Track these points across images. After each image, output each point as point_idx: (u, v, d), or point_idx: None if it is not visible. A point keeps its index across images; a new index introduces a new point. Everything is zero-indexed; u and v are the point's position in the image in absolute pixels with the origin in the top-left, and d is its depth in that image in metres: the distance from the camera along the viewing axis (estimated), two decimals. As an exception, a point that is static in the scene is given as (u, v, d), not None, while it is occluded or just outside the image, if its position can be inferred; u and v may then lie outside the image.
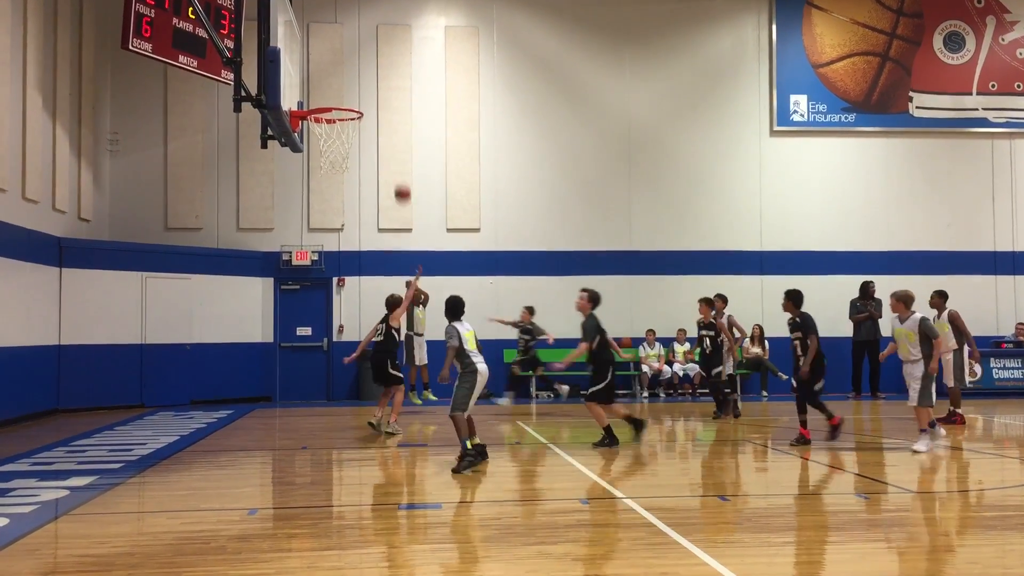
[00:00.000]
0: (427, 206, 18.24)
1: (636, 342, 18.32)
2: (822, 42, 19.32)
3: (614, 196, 18.75)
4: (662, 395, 18.04)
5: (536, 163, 18.66)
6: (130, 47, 14.26)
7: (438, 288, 14.40)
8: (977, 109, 19.57)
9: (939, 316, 13.11)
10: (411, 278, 13.56)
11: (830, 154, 19.34)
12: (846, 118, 19.30)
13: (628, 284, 18.56)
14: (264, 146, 10.92)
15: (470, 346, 8.94)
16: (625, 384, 18.49)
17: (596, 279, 18.37)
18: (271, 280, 17.87)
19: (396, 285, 15.43)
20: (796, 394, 10.82)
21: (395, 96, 18.31)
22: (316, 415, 15.16)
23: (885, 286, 17.89)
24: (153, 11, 14.46)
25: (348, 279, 18.03)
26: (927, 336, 10.02)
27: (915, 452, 9.86)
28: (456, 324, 8.98)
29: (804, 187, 19.10)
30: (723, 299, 14.00)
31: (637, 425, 10.73)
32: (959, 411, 12.92)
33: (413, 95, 18.38)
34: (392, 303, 12.51)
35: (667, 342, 18.28)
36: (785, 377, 16.66)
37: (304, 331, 17.99)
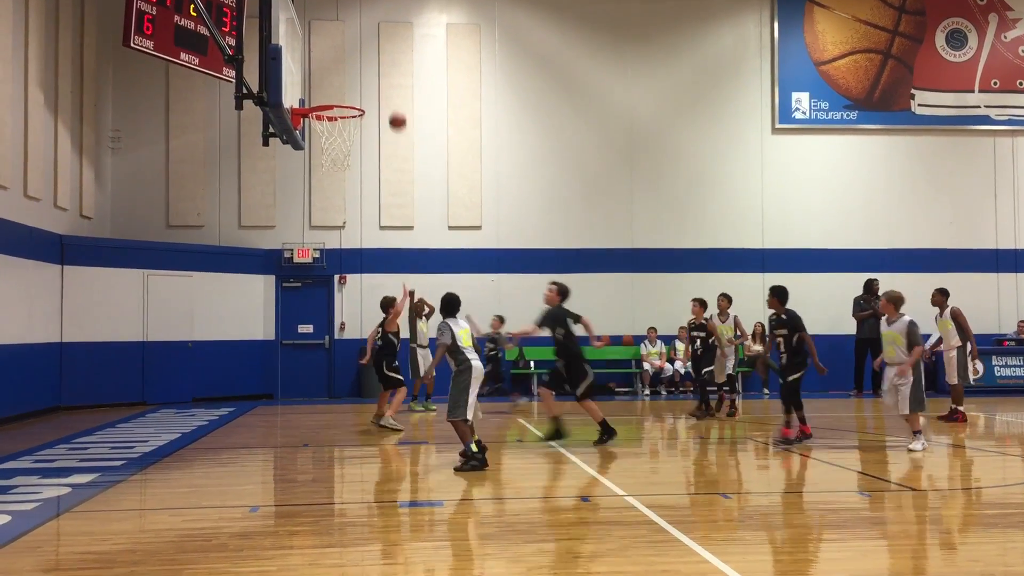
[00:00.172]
0: (429, 203, 18.24)
1: (637, 340, 18.34)
2: (824, 39, 19.30)
3: (616, 193, 18.74)
4: (663, 392, 18.05)
5: (537, 161, 18.65)
6: (132, 44, 14.26)
7: (439, 286, 14.33)
8: (979, 107, 19.54)
9: (941, 314, 13.10)
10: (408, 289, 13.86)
11: (832, 152, 19.32)
12: (848, 116, 19.28)
13: (629, 282, 18.56)
14: (266, 144, 10.90)
15: (464, 343, 8.86)
16: (627, 382, 18.52)
17: (598, 276, 18.47)
18: (272, 277, 17.88)
19: (398, 283, 15.42)
20: (781, 395, 10.73)
21: (397, 94, 18.30)
22: (317, 412, 15.17)
23: (887, 284, 17.85)
24: (155, 8, 14.46)
25: (349, 276, 18.04)
26: (911, 341, 9.83)
27: (911, 451, 9.79)
28: (450, 321, 8.90)
29: (806, 185, 19.08)
30: (727, 298, 13.94)
31: (558, 433, 10.45)
32: (961, 408, 12.91)
33: (415, 93, 18.37)
34: (385, 304, 12.80)
35: (668, 340, 18.27)
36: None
37: (306, 328, 17.99)
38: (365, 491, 8.48)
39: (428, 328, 14.78)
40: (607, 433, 10.39)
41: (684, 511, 7.16)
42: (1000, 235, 19.44)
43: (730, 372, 13.95)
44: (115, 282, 15.72)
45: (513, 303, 18.09)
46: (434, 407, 14.67)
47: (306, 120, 11.61)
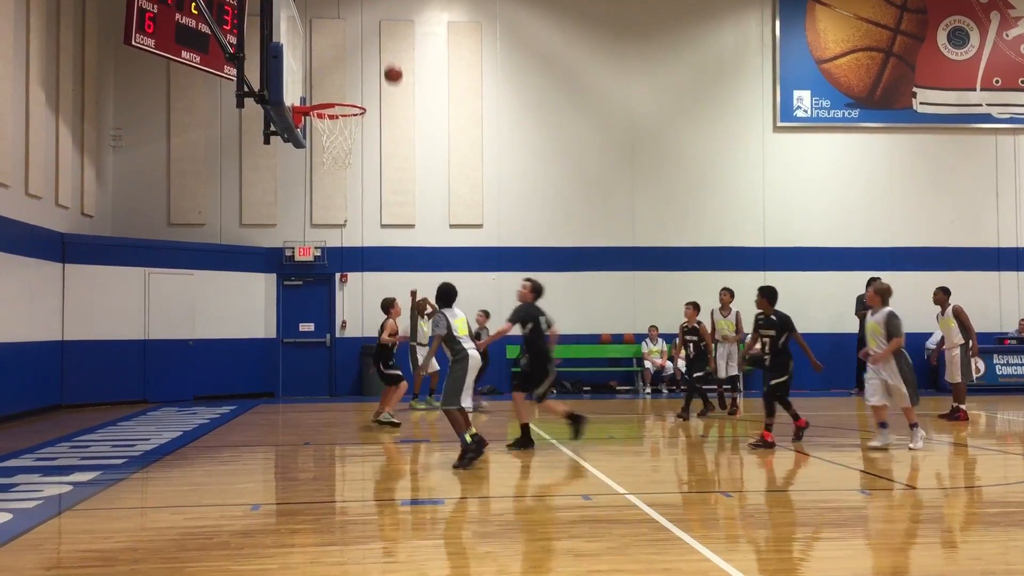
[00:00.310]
0: (430, 202, 18.24)
1: (639, 338, 18.34)
2: (825, 37, 19.28)
3: (617, 192, 18.73)
4: (665, 391, 18.04)
5: (539, 159, 18.65)
6: (133, 43, 14.28)
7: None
8: (981, 105, 19.52)
9: (943, 312, 13.10)
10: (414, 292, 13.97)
11: (833, 150, 19.31)
12: (849, 114, 19.26)
13: (631, 280, 18.56)
14: (267, 142, 10.91)
15: (460, 332, 8.89)
16: (628, 380, 18.52)
17: (599, 275, 18.48)
18: (274, 276, 17.88)
19: (399, 281, 15.49)
20: (764, 397, 10.50)
21: (398, 92, 18.28)
22: (319, 411, 15.17)
23: (889, 282, 17.89)
24: (156, 7, 14.48)
25: (351, 275, 18.04)
26: (890, 332, 9.79)
27: (912, 449, 9.77)
28: (446, 311, 8.93)
29: (807, 183, 19.07)
30: (730, 292, 13.93)
31: (524, 441, 10.03)
32: (963, 407, 12.89)
33: (416, 91, 18.36)
34: (385, 305, 13.10)
35: (670, 338, 18.23)
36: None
37: (307, 327, 17.99)
38: (366, 489, 8.49)
39: (429, 327, 14.80)
40: (576, 423, 10.01)
41: (685, 509, 7.16)
42: (1002, 233, 19.42)
43: (734, 373, 13.93)
44: (116, 280, 15.73)
45: (514, 301, 18.04)
46: (437, 404, 14.69)
47: (307, 118, 11.61)
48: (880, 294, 10.11)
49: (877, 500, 7.47)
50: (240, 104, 9.46)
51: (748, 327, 15.84)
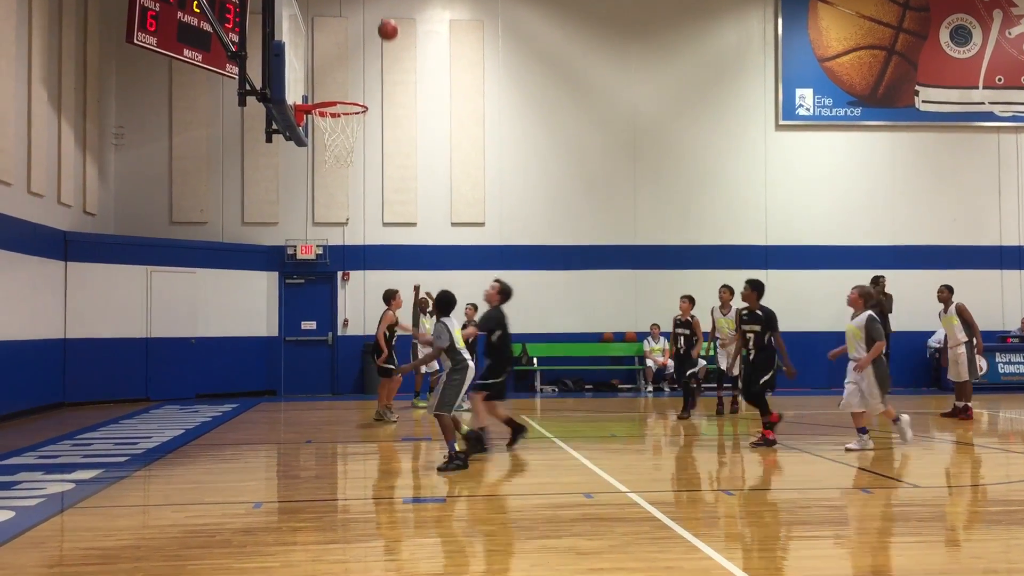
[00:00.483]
0: (432, 200, 18.24)
1: (641, 336, 18.34)
2: (828, 36, 19.26)
3: (619, 190, 18.73)
4: (666, 389, 18.03)
5: (541, 157, 18.64)
6: (135, 41, 14.29)
7: (442, 283, 14.34)
8: (983, 103, 19.49)
9: (946, 310, 13.09)
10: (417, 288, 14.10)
11: (836, 148, 19.29)
12: (852, 112, 19.24)
13: (632, 278, 18.55)
14: (269, 140, 10.92)
15: (460, 343, 8.86)
16: (630, 379, 18.52)
17: (600, 273, 18.48)
18: (276, 274, 17.89)
19: (401, 279, 15.46)
20: (743, 393, 10.38)
21: (400, 90, 18.29)
22: (321, 409, 15.19)
23: (891, 281, 17.89)
24: (158, 5, 14.48)
25: (353, 273, 18.04)
26: (870, 336, 9.62)
27: (849, 450, 9.58)
28: (446, 321, 8.84)
29: (809, 181, 19.05)
30: (730, 290, 13.86)
31: (517, 432, 9.80)
32: (969, 405, 12.87)
33: (418, 89, 18.36)
34: (387, 296, 13.20)
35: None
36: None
37: (309, 325, 18.00)
38: (368, 487, 8.49)
39: (431, 324, 14.82)
40: (473, 448, 9.29)
41: (687, 508, 7.16)
42: (1004, 232, 19.40)
43: (736, 372, 13.89)
44: (119, 278, 15.74)
45: (516, 300, 18.05)
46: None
47: (309, 117, 11.61)
48: (863, 297, 9.94)
49: (879, 498, 7.47)
50: (242, 102, 9.46)
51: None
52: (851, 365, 9.83)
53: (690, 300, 13.34)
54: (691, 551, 5.57)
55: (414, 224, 18.22)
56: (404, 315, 13.95)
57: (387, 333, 12.88)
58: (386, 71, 18.30)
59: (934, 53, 19.46)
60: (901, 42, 19.41)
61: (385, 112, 18.15)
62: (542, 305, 18.18)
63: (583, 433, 11.81)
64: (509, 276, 18.07)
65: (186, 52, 15.14)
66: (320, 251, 17.83)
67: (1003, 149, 19.52)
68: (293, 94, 10.29)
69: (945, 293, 13.12)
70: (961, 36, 19.51)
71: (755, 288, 10.35)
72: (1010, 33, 19.60)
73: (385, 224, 18.17)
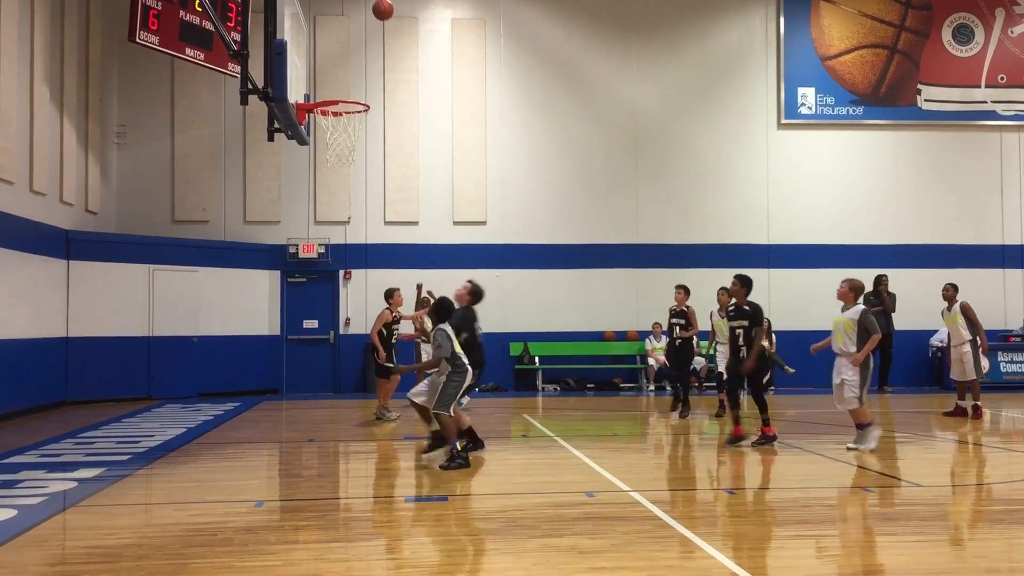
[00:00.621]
0: (433, 199, 18.24)
1: (642, 335, 18.34)
2: (830, 34, 19.24)
3: (621, 189, 18.72)
4: (668, 388, 18.00)
5: (543, 156, 18.64)
6: (137, 40, 14.29)
7: (444, 282, 14.39)
8: (986, 102, 19.47)
9: (949, 308, 13.07)
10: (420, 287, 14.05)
11: (838, 147, 19.28)
12: (854, 111, 19.22)
13: (634, 277, 18.55)
14: (271, 139, 10.93)
15: (457, 349, 8.99)
16: (631, 377, 18.52)
17: (602, 272, 18.48)
18: (278, 273, 17.90)
19: (402, 278, 15.46)
20: (726, 387, 10.25)
21: (401, 89, 18.30)
22: (323, 408, 15.19)
23: (893, 279, 17.92)
24: (160, 4, 14.49)
25: (354, 272, 18.05)
26: (865, 330, 9.48)
27: (850, 449, 9.46)
28: (446, 328, 8.91)
29: (811, 180, 19.04)
30: (728, 293, 13.81)
31: (475, 443, 9.45)
32: (979, 404, 12.85)
33: (420, 88, 18.36)
34: (387, 294, 13.18)
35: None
36: (792, 371, 16.65)
37: (311, 324, 18.01)
38: (370, 486, 8.49)
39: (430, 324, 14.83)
40: (439, 445, 9.14)
41: (688, 507, 7.16)
42: (1006, 231, 19.38)
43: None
44: (121, 277, 15.75)
45: (518, 299, 18.14)
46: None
47: (311, 115, 11.61)
48: (854, 291, 9.76)
49: (881, 497, 7.47)
50: (244, 101, 9.46)
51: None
52: (840, 360, 9.66)
53: (685, 290, 13.24)
54: (693, 550, 5.58)
55: (416, 223, 18.22)
56: (407, 312, 13.86)
57: (384, 332, 12.80)
58: (388, 70, 18.31)
59: (936, 52, 19.44)
60: (903, 41, 19.40)
61: (387, 111, 18.16)
62: (544, 304, 18.20)
63: (585, 432, 11.81)
64: (511, 275, 18.34)
65: (188, 51, 15.15)
66: (322, 250, 17.84)
67: (1005, 148, 19.50)
68: (295, 93, 10.30)
69: (950, 291, 13.11)
70: (963, 35, 19.48)
71: (744, 284, 10.24)
72: (1012, 32, 19.58)
73: (387, 223, 18.17)
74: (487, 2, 18.60)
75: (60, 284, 14.93)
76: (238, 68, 9.92)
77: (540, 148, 18.64)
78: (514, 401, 16.09)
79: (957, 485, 8.29)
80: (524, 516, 6.63)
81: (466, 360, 8.94)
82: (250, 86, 9.38)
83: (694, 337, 13.19)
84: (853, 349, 9.51)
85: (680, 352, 13.14)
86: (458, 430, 9.08)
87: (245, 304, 17.38)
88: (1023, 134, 19.55)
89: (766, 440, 10.00)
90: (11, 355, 13.01)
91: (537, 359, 17.98)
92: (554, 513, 6.72)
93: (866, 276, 17.77)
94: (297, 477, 8.93)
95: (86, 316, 15.29)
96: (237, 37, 13.48)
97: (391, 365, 12.67)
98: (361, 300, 17.93)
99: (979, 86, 19.48)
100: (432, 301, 14.68)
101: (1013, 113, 19.48)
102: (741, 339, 10.10)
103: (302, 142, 11.24)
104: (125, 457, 9.37)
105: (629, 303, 18.47)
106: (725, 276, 15.54)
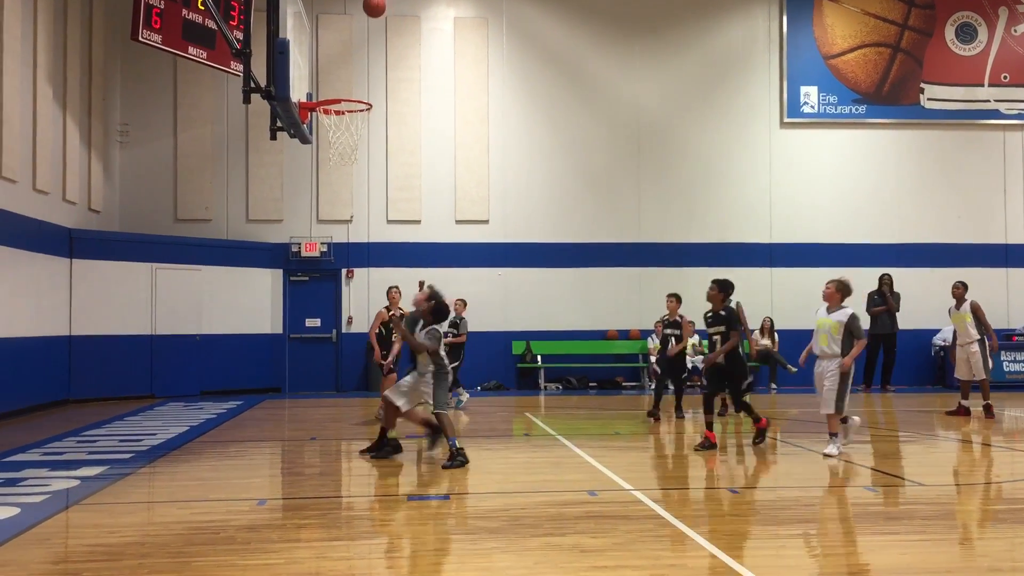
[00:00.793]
0: (436, 198, 18.24)
1: (645, 334, 18.32)
2: (833, 33, 19.22)
3: (623, 188, 18.72)
4: (670, 387, 17.96)
5: (545, 155, 18.63)
6: (140, 38, 14.30)
7: (447, 281, 14.40)
8: (989, 101, 19.45)
9: (958, 307, 13.03)
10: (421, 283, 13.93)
11: (840, 146, 19.26)
12: (857, 110, 19.21)
13: (636, 276, 18.54)
14: (273, 137, 10.93)
15: (442, 350, 9.25)
16: (634, 376, 18.51)
17: (604, 271, 18.48)
18: (280, 271, 17.91)
19: (405, 277, 15.45)
20: (704, 392, 10.09)
21: (404, 88, 18.30)
22: (325, 406, 15.20)
23: (896, 279, 17.89)
24: (163, 2, 14.50)
25: (357, 271, 18.06)
26: (851, 334, 9.23)
27: (826, 456, 9.18)
28: (438, 328, 9.22)
29: (814, 179, 19.03)
30: (676, 296, 13.55)
31: (435, 434, 9.40)
32: (990, 403, 12.82)
33: (422, 87, 18.36)
34: (388, 293, 13.12)
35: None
36: (795, 370, 16.63)
37: (313, 322, 18.03)
38: (372, 484, 8.50)
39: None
40: (389, 446, 9.34)
41: (691, 506, 7.16)
42: (1010, 230, 19.36)
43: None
44: (123, 275, 15.77)
45: (520, 297, 18.14)
46: (465, 396, 14.76)
47: (313, 114, 11.62)
48: (841, 291, 9.48)
49: (884, 496, 7.46)
50: (246, 100, 9.47)
51: (756, 323, 15.83)
52: (821, 362, 9.42)
53: (677, 299, 12.86)
54: (695, 549, 5.57)
55: (418, 222, 18.22)
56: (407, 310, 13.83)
57: (382, 331, 12.74)
58: (390, 68, 18.31)
59: (939, 50, 19.41)
60: (906, 39, 19.37)
61: (389, 109, 18.16)
62: (546, 303, 18.21)
63: (587, 431, 11.81)
64: (513, 274, 18.35)
65: (191, 50, 15.16)
66: (324, 248, 17.84)
67: (1008, 147, 19.48)
68: (297, 92, 10.31)
69: (960, 289, 13.08)
70: (966, 33, 19.46)
71: (722, 288, 9.95)
72: (1016, 30, 19.55)
73: (389, 221, 18.18)
74: (489, 1, 18.60)
75: (63, 282, 14.95)
76: (241, 67, 9.92)
77: (542, 147, 18.63)
78: (516, 400, 16.09)
79: (960, 484, 8.28)
80: (526, 515, 6.63)
81: (447, 361, 9.22)
82: (253, 85, 9.39)
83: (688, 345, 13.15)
84: (837, 351, 9.26)
85: (672, 361, 12.89)
86: (424, 421, 9.51)
87: (248, 303, 17.39)
88: (1026, 133, 19.53)
89: (762, 436, 9.96)
90: (14, 353, 13.02)
91: (539, 358, 17.98)
92: (556, 512, 6.72)
93: (869, 275, 17.90)
94: (299, 476, 8.94)
95: (89, 314, 15.31)
96: (240, 36, 13.46)
97: (384, 363, 12.64)
98: (363, 299, 17.94)
99: (982, 85, 19.45)
100: (429, 288, 14.75)
101: (1016, 112, 19.45)
102: (719, 344, 9.87)
103: (304, 141, 11.25)
104: (128, 455, 9.39)
105: (631, 302, 18.46)
106: (727, 275, 15.54)
